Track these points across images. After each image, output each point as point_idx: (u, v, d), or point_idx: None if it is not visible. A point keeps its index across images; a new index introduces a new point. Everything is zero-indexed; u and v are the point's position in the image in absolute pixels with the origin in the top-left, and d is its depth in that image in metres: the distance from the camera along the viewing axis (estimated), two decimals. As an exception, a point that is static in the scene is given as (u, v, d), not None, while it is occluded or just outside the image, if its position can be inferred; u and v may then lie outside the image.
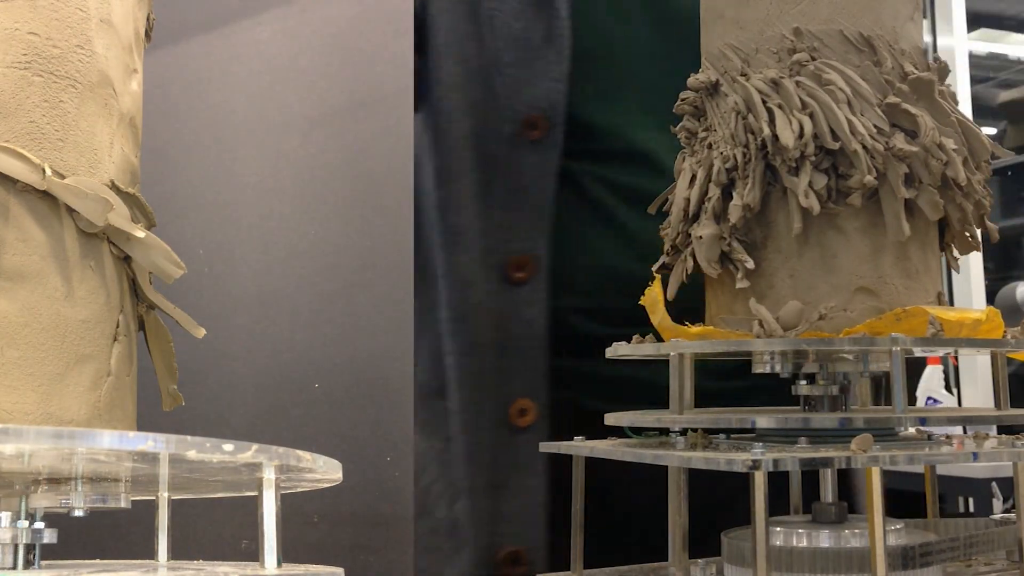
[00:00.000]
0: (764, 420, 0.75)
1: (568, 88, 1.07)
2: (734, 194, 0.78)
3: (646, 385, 1.02)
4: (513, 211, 1.07)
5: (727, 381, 1.08)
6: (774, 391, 1.01)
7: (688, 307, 0.84)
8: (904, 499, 1.55)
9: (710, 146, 0.81)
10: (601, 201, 1.09)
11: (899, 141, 0.76)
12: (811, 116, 0.76)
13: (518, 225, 1.07)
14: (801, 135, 0.75)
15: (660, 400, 0.81)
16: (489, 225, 1.08)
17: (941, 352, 0.86)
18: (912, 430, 0.87)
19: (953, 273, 0.87)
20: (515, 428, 1.05)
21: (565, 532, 0.85)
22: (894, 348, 0.71)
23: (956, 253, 0.84)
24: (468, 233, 1.08)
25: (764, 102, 0.77)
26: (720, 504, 0.87)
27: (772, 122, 0.76)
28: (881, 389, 1.05)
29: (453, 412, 1.07)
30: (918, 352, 0.81)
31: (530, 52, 1.08)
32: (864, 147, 0.75)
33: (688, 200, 0.81)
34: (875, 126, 0.76)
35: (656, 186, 0.90)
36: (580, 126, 1.08)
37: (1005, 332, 0.78)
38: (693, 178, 0.81)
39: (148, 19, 0.73)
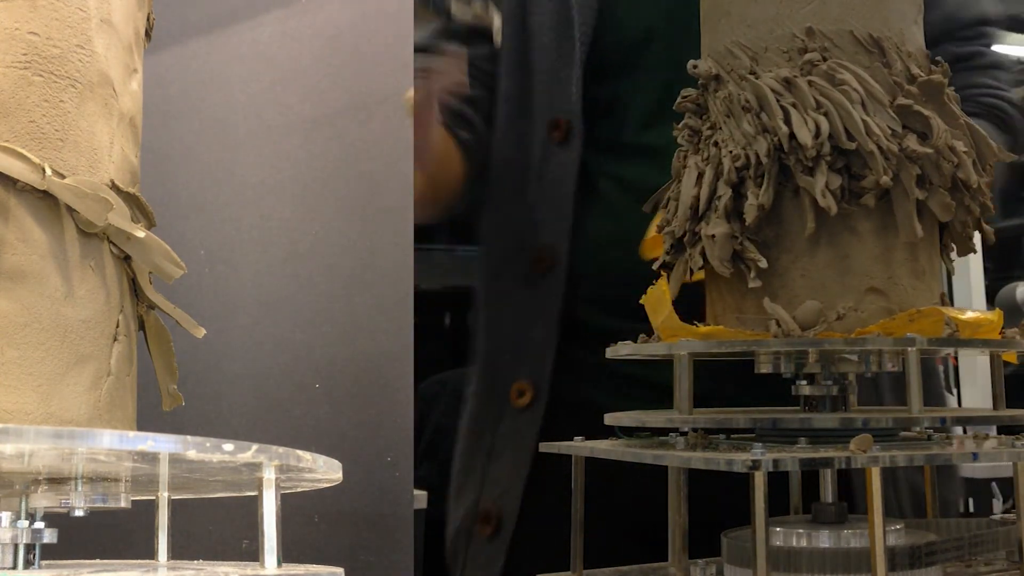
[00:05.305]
0: (764, 420, 0.75)
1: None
2: (748, 193, 0.77)
3: (652, 383, 1.03)
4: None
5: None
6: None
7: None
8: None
9: (716, 144, 0.80)
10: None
11: (912, 143, 0.76)
12: (826, 116, 0.75)
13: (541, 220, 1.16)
14: (817, 135, 0.75)
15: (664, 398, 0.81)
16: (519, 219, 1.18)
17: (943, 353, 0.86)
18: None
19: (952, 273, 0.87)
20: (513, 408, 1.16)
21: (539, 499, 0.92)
22: (910, 348, 0.71)
23: (954, 255, 0.84)
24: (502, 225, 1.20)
25: (778, 101, 0.77)
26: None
27: (788, 121, 0.76)
28: (876, 389, 1.05)
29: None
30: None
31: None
32: (879, 148, 0.75)
33: (696, 198, 0.80)
34: (889, 127, 0.76)
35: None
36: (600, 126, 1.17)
37: (1002, 332, 0.78)
38: (700, 176, 0.81)
39: (148, 19, 0.73)
